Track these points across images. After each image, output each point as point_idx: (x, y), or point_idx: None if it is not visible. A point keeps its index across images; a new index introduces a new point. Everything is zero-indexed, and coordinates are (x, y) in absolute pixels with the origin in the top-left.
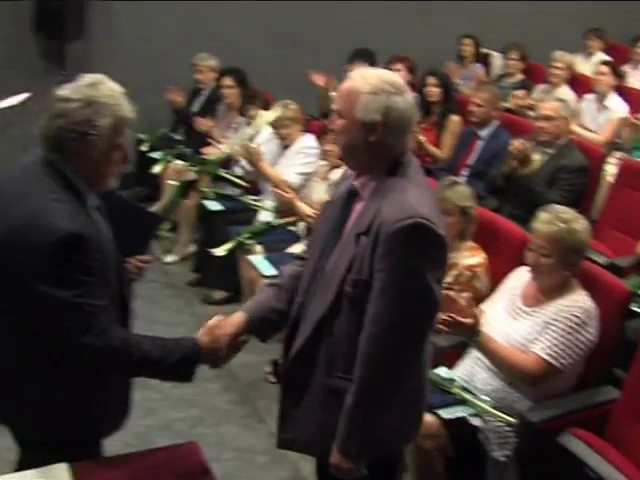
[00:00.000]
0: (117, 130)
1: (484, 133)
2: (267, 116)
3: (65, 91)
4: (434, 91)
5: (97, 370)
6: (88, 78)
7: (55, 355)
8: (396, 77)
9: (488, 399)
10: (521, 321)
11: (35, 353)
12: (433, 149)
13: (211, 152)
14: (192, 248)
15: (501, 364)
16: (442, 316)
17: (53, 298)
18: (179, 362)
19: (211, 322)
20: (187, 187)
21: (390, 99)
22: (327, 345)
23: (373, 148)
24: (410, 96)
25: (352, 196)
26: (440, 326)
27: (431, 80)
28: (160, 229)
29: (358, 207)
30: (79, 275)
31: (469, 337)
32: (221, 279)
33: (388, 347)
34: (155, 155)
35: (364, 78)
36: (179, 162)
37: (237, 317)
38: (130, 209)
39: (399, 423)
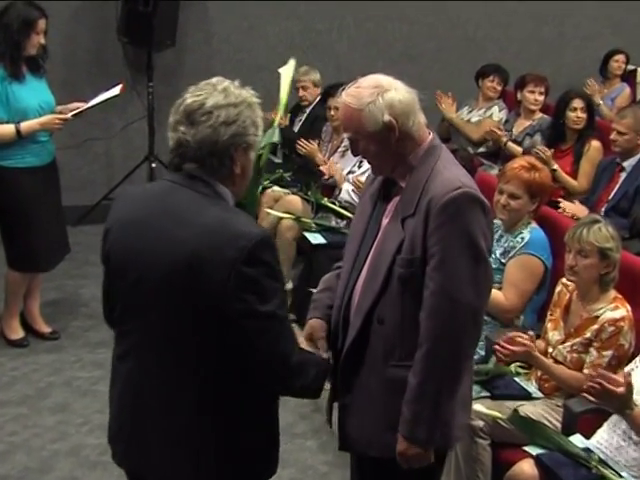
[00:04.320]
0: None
1: (628, 164)
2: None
3: (211, 99)
4: (582, 117)
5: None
6: (214, 80)
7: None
8: (374, 77)
9: (630, 477)
10: None
11: (224, 400)
12: (568, 179)
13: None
14: (290, 286)
15: None
16: (590, 383)
17: (256, 314)
18: (314, 378)
19: (306, 331)
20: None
21: (385, 98)
22: (380, 334)
23: (399, 143)
24: (396, 82)
25: (388, 189)
26: (585, 395)
27: (578, 104)
28: None
29: (395, 198)
30: (276, 283)
31: (619, 409)
32: None
33: (452, 317)
34: None
35: (352, 96)
36: (277, 188)
37: (318, 323)
38: None
39: (460, 407)
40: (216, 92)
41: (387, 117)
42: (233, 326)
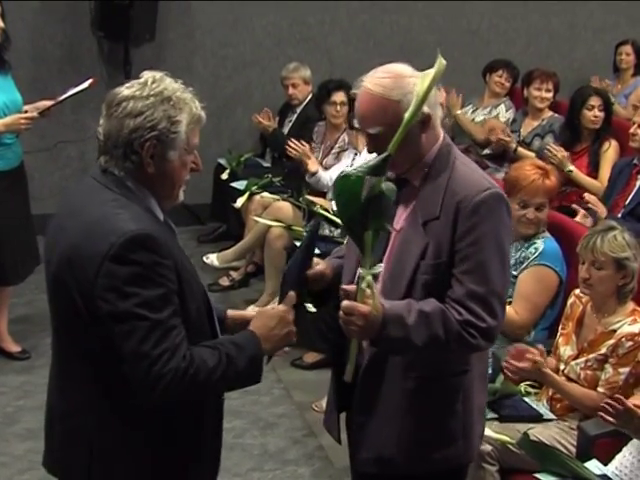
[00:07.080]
0: (193, 129)
1: None
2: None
3: (127, 90)
4: (599, 116)
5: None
6: (147, 74)
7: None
8: (397, 65)
9: None
10: None
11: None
12: (589, 179)
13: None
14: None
15: None
16: (607, 400)
17: (118, 315)
18: (247, 365)
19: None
20: None
21: (418, 86)
22: None
23: (427, 139)
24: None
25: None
26: (602, 414)
27: (596, 101)
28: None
29: (410, 198)
30: (147, 287)
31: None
32: (314, 338)
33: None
34: (237, 185)
35: (382, 86)
36: (267, 194)
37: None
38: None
39: (477, 417)
40: (136, 84)
41: (426, 108)
42: (101, 326)
